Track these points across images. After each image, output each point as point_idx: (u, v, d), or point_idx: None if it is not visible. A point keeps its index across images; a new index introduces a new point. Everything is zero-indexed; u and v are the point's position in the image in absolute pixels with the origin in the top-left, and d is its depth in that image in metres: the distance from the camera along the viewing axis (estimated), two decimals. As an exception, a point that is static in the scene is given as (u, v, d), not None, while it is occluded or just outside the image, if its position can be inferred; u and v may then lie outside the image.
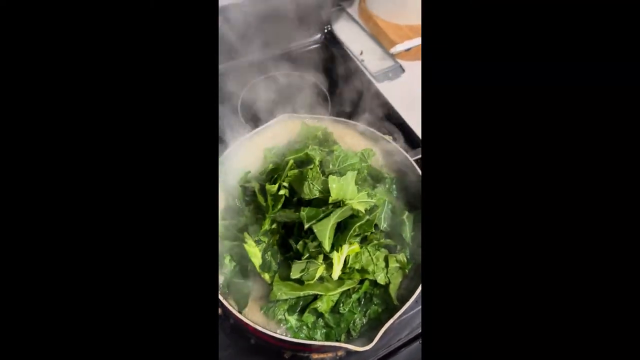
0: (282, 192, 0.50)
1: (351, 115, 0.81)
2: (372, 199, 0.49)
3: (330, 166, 0.51)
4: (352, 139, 0.64)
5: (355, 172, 0.49)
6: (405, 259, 0.51)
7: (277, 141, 0.64)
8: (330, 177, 0.46)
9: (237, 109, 0.79)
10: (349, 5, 1.05)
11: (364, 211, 0.47)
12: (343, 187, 0.46)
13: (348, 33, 0.98)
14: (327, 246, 0.44)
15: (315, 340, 0.47)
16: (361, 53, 0.93)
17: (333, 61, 0.91)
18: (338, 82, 0.87)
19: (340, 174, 0.49)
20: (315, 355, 0.56)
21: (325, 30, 0.95)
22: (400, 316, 0.56)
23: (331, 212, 0.45)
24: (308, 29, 0.94)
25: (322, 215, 0.44)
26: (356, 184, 0.49)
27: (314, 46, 0.95)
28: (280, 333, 0.48)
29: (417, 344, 0.57)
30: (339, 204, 0.47)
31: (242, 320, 0.47)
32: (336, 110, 0.82)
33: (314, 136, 0.58)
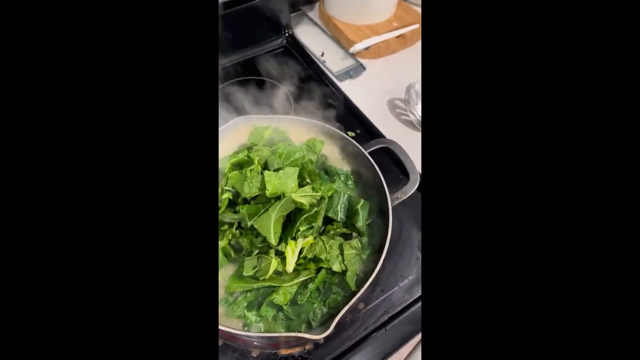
0: (225, 195, 0.51)
1: (314, 114, 0.83)
2: (317, 192, 0.50)
3: (275, 164, 0.52)
4: (309, 136, 0.65)
5: (297, 167, 0.50)
6: (359, 245, 0.51)
7: (233, 145, 0.65)
8: (266, 173, 0.47)
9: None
10: (310, 10, 1.07)
11: (307, 204, 0.48)
12: (282, 182, 0.47)
13: (309, 36, 1.00)
14: (273, 240, 0.45)
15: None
16: (322, 54, 0.95)
17: (295, 64, 0.93)
18: (300, 83, 0.88)
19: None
20: (284, 351, 0.56)
21: (287, 34, 0.97)
22: (368, 302, 0.57)
23: (270, 207, 0.45)
24: (269, 33, 0.96)
25: (262, 211, 0.45)
26: (303, 178, 0.50)
27: (276, 50, 0.96)
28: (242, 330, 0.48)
29: (383, 331, 0.58)
30: (279, 199, 0.47)
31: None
32: (299, 111, 0.83)
33: (261, 136, 0.59)
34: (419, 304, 0.60)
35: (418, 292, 0.61)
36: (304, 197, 0.47)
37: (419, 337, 0.63)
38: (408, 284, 0.62)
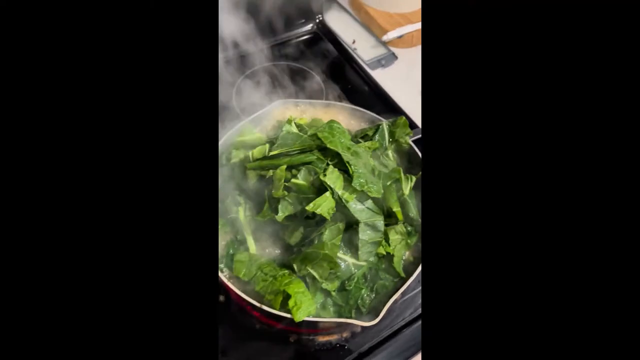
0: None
1: (345, 102, 0.81)
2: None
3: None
4: (343, 120, 0.65)
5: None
6: (404, 229, 0.51)
7: (269, 128, 0.65)
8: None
9: (231, 100, 0.78)
10: (340, -4, 1.05)
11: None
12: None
13: (339, 23, 0.98)
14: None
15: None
16: (353, 42, 0.94)
17: (326, 50, 0.91)
18: (331, 70, 0.87)
19: None
20: (321, 338, 0.55)
21: (317, 20, 0.96)
22: (405, 292, 0.56)
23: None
24: (300, 19, 0.94)
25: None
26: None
27: (307, 36, 0.95)
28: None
29: (419, 324, 0.57)
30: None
31: (245, 302, 0.46)
32: (330, 99, 0.82)
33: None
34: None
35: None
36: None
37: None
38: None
